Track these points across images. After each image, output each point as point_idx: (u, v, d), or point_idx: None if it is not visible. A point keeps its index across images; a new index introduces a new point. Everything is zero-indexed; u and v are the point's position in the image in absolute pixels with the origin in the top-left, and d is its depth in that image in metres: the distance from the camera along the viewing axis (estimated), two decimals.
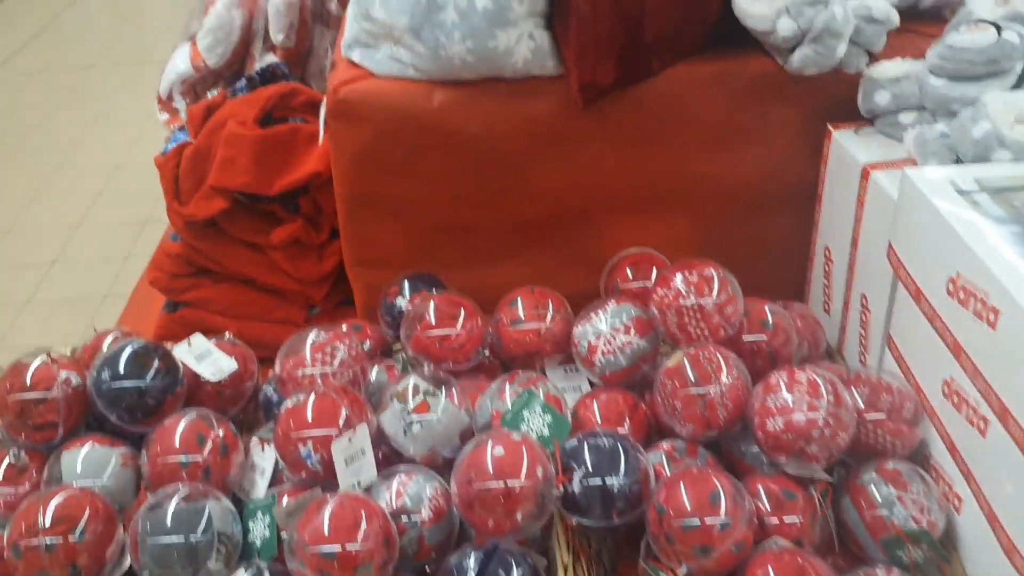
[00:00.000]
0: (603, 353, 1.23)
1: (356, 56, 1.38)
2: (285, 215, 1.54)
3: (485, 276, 1.52)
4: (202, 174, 1.50)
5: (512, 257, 1.52)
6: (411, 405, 1.14)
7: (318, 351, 1.20)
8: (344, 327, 1.37)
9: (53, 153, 3.50)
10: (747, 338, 1.24)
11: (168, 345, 1.29)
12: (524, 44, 1.31)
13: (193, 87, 1.75)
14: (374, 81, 1.36)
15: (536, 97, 1.37)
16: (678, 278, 1.22)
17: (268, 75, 1.59)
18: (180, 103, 1.75)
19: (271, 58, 1.67)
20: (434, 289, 1.40)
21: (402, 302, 1.38)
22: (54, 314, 2.63)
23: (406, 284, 1.40)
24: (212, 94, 1.75)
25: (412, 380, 1.16)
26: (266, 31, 1.66)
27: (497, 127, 1.38)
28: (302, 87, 1.57)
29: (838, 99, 1.38)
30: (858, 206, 1.30)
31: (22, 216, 3.12)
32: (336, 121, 1.36)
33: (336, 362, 1.20)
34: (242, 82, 1.56)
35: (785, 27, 1.29)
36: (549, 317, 1.30)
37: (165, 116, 1.77)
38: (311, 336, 1.22)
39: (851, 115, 1.38)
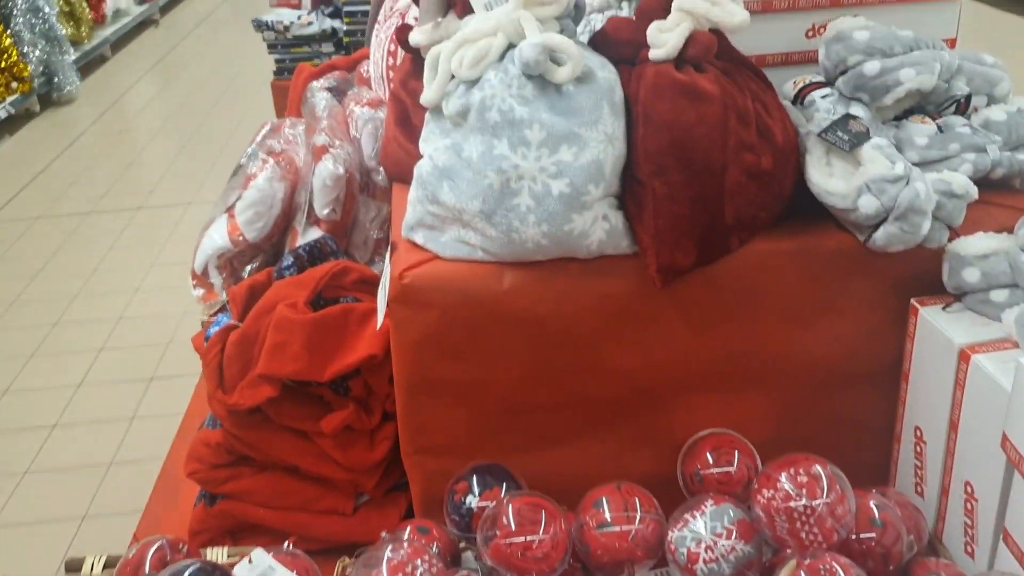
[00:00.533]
0: (705, 561, 1.13)
1: (419, 238, 1.32)
2: (334, 399, 1.45)
3: (552, 458, 1.43)
4: (248, 361, 1.41)
5: (580, 439, 1.43)
6: None
7: (397, 571, 1.09)
8: (409, 531, 1.26)
9: (51, 305, 3.37)
10: (855, 537, 1.15)
11: (210, 552, 1.18)
12: (599, 226, 1.26)
13: (230, 261, 1.69)
14: (440, 264, 1.30)
15: (609, 276, 1.31)
16: (783, 477, 1.13)
17: (316, 251, 1.52)
18: (216, 278, 1.68)
19: (315, 232, 1.60)
20: (505, 484, 1.30)
21: (472, 500, 1.28)
22: (55, 484, 2.48)
23: (474, 480, 1.30)
24: (250, 269, 1.69)
25: None
26: (310, 204, 1.61)
27: (568, 307, 1.32)
28: (352, 264, 1.50)
29: (917, 272, 1.34)
30: (956, 389, 1.23)
31: (20, 375, 2.98)
32: (400, 307, 1.29)
33: None
34: (288, 259, 1.49)
35: (868, 205, 1.25)
36: (639, 519, 1.20)
37: (200, 291, 1.69)
38: (387, 553, 1.11)
39: (930, 288, 1.33)
